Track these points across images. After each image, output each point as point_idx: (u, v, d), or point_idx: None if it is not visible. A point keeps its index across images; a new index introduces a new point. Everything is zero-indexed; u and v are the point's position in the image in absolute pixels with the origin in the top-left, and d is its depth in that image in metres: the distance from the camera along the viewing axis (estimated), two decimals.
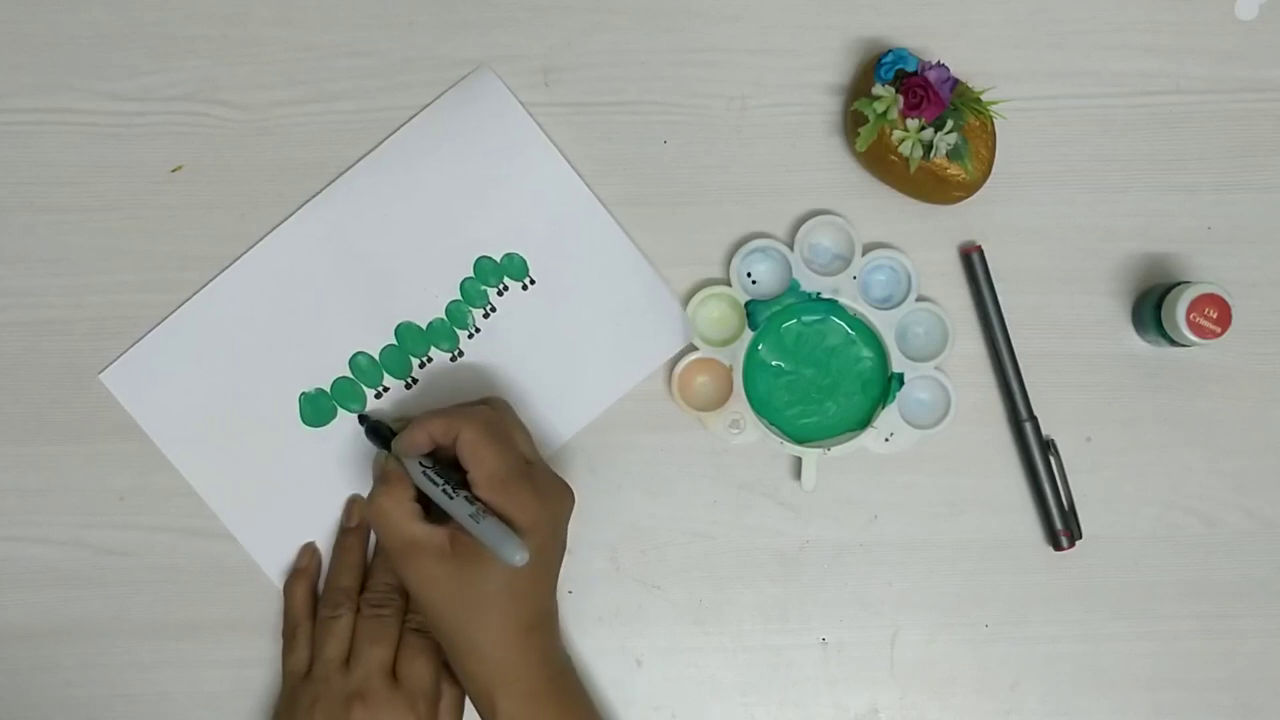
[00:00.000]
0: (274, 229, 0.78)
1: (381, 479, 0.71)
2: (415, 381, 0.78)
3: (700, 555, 0.78)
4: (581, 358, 0.78)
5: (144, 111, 0.79)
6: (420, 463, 0.70)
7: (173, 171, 0.78)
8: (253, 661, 0.77)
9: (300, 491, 0.77)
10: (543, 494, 0.70)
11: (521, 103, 0.78)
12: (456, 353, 0.78)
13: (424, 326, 0.78)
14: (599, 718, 0.73)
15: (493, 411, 0.72)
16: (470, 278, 0.78)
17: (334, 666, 0.72)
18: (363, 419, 0.77)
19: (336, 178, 0.78)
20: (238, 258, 0.78)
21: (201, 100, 0.79)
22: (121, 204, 0.78)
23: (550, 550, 0.71)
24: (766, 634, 0.78)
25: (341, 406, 0.77)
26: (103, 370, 0.77)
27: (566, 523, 0.72)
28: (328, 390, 0.77)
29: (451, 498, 0.68)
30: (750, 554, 0.78)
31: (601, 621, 0.78)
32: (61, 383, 0.78)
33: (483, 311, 0.78)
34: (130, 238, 0.78)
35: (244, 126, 0.78)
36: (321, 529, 0.78)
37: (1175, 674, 0.78)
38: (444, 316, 0.78)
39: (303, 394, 0.77)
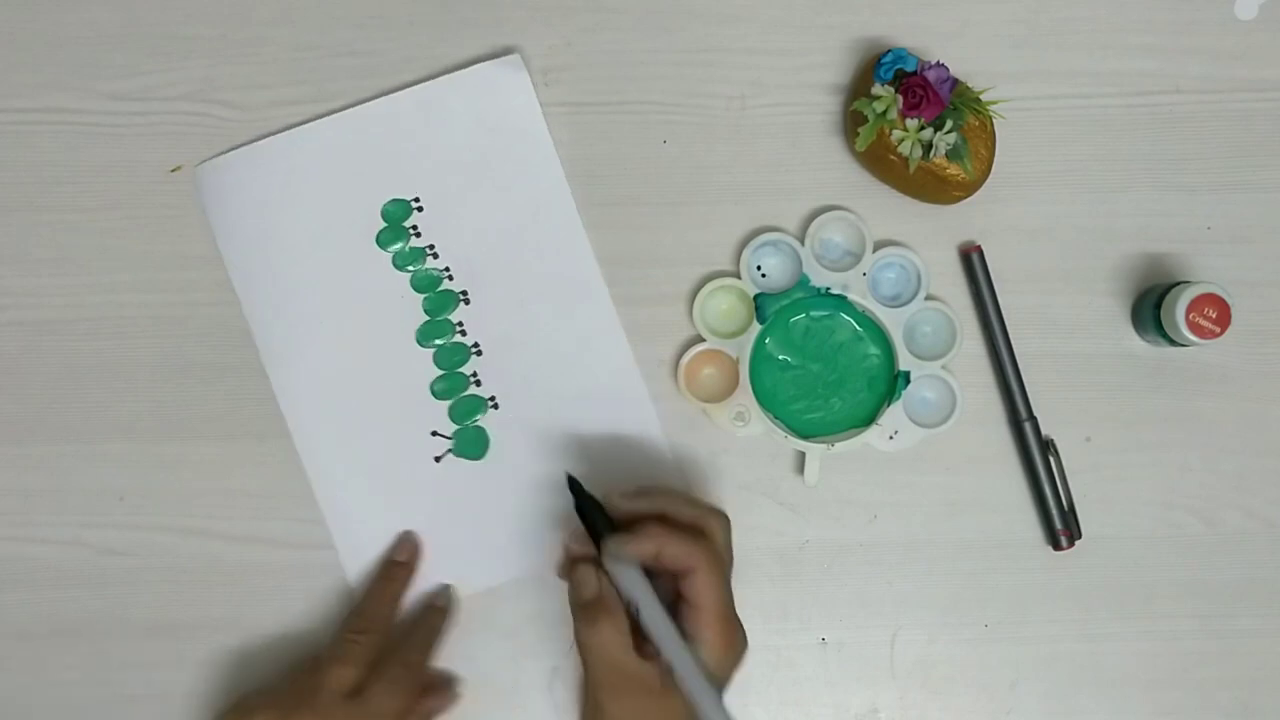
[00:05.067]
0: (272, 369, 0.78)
1: (599, 605, 0.66)
2: (477, 344, 0.78)
3: None
4: (505, 180, 0.78)
5: (144, 111, 0.79)
6: (638, 583, 0.67)
7: (172, 171, 0.78)
8: (253, 662, 0.77)
9: (525, 504, 0.78)
10: (741, 636, 0.69)
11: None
12: (462, 298, 0.78)
13: (425, 314, 0.78)
14: None
15: (721, 544, 0.69)
16: (392, 255, 0.78)
17: (334, 689, 0.70)
18: (572, 481, 0.71)
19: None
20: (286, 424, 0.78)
21: (201, 100, 0.79)
22: (121, 204, 0.78)
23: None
24: (766, 634, 0.78)
25: (478, 419, 0.78)
26: (346, 575, 0.77)
27: None
28: (459, 425, 0.78)
29: (683, 649, 0.66)
30: (750, 554, 0.78)
31: None
32: (61, 383, 0.78)
33: (430, 256, 0.78)
34: (130, 238, 0.78)
35: (244, 126, 0.78)
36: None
37: (1175, 674, 0.78)
38: (423, 294, 0.78)
39: (450, 451, 0.78)
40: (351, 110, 0.78)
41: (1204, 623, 0.78)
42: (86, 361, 0.78)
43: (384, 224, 0.78)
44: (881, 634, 0.78)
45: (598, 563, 0.68)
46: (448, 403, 0.78)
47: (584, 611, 0.67)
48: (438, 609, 0.77)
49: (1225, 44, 0.80)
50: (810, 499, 0.78)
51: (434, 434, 0.78)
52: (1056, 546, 0.77)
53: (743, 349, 0.78)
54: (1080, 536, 0.78)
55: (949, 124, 0.74)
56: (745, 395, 0.77)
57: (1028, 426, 0.78)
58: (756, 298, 0.78)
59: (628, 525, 0.68)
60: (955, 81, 0.75)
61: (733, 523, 0.77)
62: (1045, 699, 0.78)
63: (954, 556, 0.78)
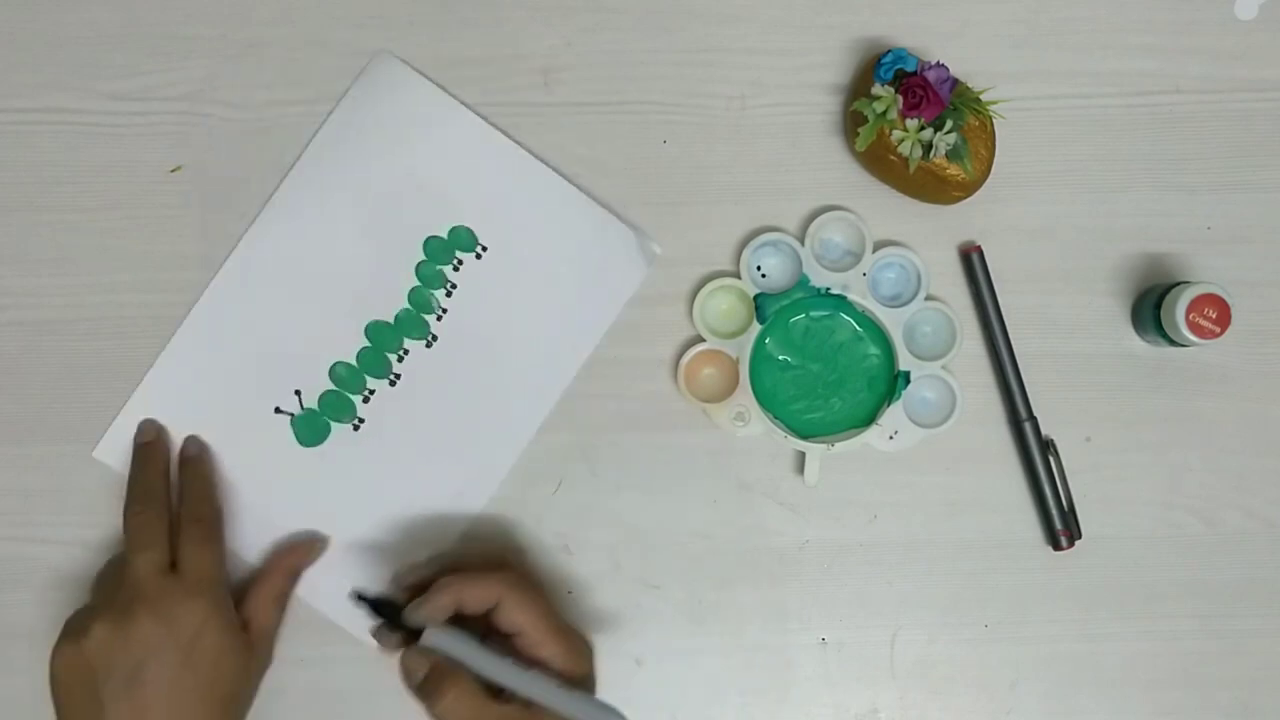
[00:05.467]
0: (221, 265, 0.78)
1: (434, 676, 0.66)
2: (398, 377, 0.78)
3: (700, 555, 0.78)
4: (551, 311, 0.78)
5: (144, 111, 0.79)
6: (460, 639, 0.67)
7: (172, 171, 0.78)
8: None
9: (302, 511, 0.77)
10: (581, 639, 0.71)
11: (427, 77, 0.78)
12: (430, 339, 0.78)
13: (392, 321, 0.78)
14: None
15: (521, 572, 0.73)
16: (423, 260, 0.78)
17: (151, 573, 0.70)
18: (360, 598, 0.70)
19: (268, 198, 0.78)
20: (194, 302, 0.77)
21: (201, 100, 0.79)
22: (121, 204, 0.78)
23: None
24: (766, 634, 0.78)
25: (334, 420, 0.77)
26: (95, 448, 0.77)
27: None
28: (316, 408, 0.77)
29: (529, 676, 0.66)
30: (750, 554, 0.78)
31: (601, 622, 0.78)
32: (61, 383, 0.78)
33: (444, 291, 0.78)
34: (130, 238, 0.78)
35: (244, 126, 0.79)
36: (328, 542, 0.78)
37: (1175, 674, 0.78)
38: (408, 306, 0.78)
39: (293, 417, 0.77)
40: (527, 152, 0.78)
41: (1204, 623, 0.78)
42: (86, 361, 0.78)
43: (444, 237, 0.78)
44: (881, 634, 0.78)
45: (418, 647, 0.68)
46: (329, 388, 0.77)
47: (424, 693, 0.66)
48: (193, 457, 0.76)
49: (1225, 44, 0.80)
50: (810, 499, 0.78)
51: (296, 392, 0.77)
52: (1056, 546, 0.77)
53: (743, 349, 0.78)
54: (1080, 536, 0.78)
55: (949, 124, 0.74)
56: (745, 395, 0.77)
57: (1028, 426, 0.78)
58: (756, 298, 0.78)
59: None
60: (955, 81, 0.75)
61: (732, 523, 0.78)
62: (1045, 699, 0.78)
63: (954, 556, 0.78)
